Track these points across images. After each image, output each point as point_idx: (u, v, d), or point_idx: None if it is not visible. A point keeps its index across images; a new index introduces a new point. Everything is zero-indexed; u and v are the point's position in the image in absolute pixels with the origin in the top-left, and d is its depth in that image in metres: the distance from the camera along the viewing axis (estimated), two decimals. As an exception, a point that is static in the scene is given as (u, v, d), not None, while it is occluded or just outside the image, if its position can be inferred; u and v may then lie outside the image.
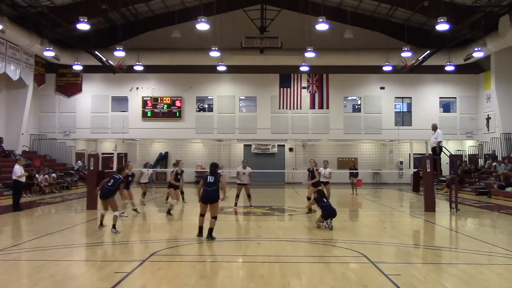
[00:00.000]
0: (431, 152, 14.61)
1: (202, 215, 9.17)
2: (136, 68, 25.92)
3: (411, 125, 28.35)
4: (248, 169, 14.47)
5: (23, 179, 14.58)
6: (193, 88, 28.76)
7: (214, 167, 9.29)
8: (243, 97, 29.62)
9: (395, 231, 10.93)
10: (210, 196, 8.99)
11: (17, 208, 13.85)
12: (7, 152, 22.82)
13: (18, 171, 13.81)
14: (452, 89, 28.47)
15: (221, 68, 26.12)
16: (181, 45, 26.31)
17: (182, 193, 15.91)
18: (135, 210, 13.05)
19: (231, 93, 29.04)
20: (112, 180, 10.19)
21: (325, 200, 10.73)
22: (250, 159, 28.06)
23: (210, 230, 8.98)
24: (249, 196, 14.37)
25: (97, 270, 6.86)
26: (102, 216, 10.38)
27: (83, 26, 19.41)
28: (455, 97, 28.62)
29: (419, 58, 24.52)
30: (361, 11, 25.90)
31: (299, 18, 25.33)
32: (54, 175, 21.42)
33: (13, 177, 13.91)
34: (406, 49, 23.35)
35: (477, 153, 26.72)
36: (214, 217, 9.06)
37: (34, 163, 22.63)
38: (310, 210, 12.87)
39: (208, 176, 9.10)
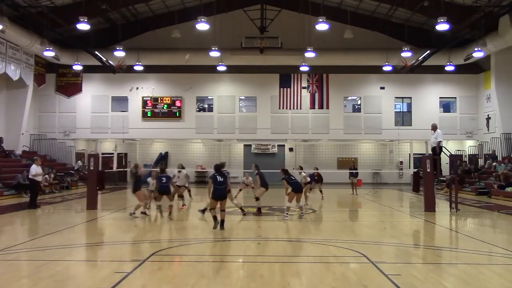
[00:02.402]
0: (431, 152, 14.60)
1: (213, 208, 10.28)
2: (136, 68, 25.93)
3: (411, 125, 28.35)
4: (183, 171, 15.02)
5: (40, 178, 15.43)
6: (193, 88, 28.75)
7: (221, 167, 10.55)
8: (243, 97, 29.61)
9: (395, 231, 10.92)
10: (222, 193, 10.14)
11: (34, 206, 14.41)
12: (7, 152, 22.82)
13: (34, 170, 14.47)
14: (452, 89, 28.46)
15: (221, 68, 26.11)
16: (181, 45, 26.29)
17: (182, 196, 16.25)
18: (144, 213, 12.82)
19: (231, 93, 29.04)
20: (164, 178, 12.21)
21: (293, 178, 12.20)
22: (250, 159, 28.12)
23: (222, 222, 10.14)
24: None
25: (97, 270, 6.86)
26: (160, 206, 12.20)
27: (83, 26, 19.42)
28: (455, 97, 28.62)
29: (419, 58, 24.51)
30: (361, 11, 25.90)
31: (299, 18, 25.34)
32: (52, 174, 21.37)
33: (29, 176, 14.75)
34: (406, 49, 23.33)
35: (477, 153, 26.72)
36: (223, 210, 10.26)
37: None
38: (259, 211, 12.83)
39: (218, 176, 10.17)
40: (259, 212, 12.93)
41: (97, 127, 28.21)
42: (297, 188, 12.04)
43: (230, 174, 14.12)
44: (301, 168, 16.79)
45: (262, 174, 13.29)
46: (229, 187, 10.77)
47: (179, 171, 15.22)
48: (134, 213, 12.24)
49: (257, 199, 13.04)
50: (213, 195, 10.12)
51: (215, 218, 10.22)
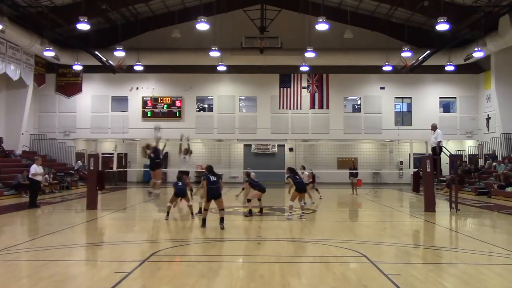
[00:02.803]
0: (431, 152, 14.60)
1: (206, 209, 10.59)
2: (136, 68, 25.94)
3: (411, 125, 28.36)
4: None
5: (40, 178, 15.38)
6: (193, 88, 28.76)
7: (213, 168, 10.68)
8: (243, 97, 29.62)
9: (395, 231, 10.92)
10: (216, 192, 10.33)
11: (34, 205, 14.44)
12: (7, 152, 22.82)
13: (33, 169, 14.57)
14: (452, 89, 28.47)
15: (221, 68, 26.12)
16: (181, 45, 26.32)
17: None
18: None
19: (231, 93, 29.04)
20: (180, 183, 12.26)
21: (298, 177, 12.29)
22: (250, 159, 28.17)
23: (222, 219, 10.32)
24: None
25: (97, 270, 6.86)
26: (169, 207, 12.12)
27: (83, 26, 19.45)
28: (455, 97, 28.63)
29: (419, 58, 24.52)
30: (361, 11, 25.90)
31: (299, 18, 25.37)
32: (51, 174, 21.37)
33: (29, 176, 14.91)
34: (406, 49, 23.35)
35: (477, 153, 26.72)
36: (222, 209, 10.41)
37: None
38: (250, 212, 12.70)
39: (211, 177, 10.36)
40: (260, 212, 12.93)
41: (97, 127, 28.21)
42: (300, 188, 12.02)
43: (223, 176, 14.45)
44: (303, 168, 16.93)
45: (252, 182, 13.17)
46: (222, 187, 10.83)
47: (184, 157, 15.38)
48: (151, 192, 12.79)
49: (248, 201, 12.99)
50: (207, 195, 10.35)
51: (204, 220, 10.49)
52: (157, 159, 13.18)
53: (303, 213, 12.37)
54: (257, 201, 12.94)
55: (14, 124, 24.48)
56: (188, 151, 15.60)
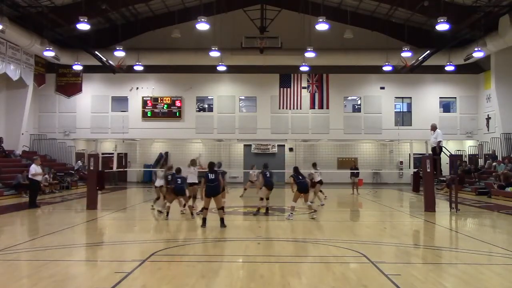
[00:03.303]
0: (431, 152, 14.60)
1: (206, 208, 10.51)
2: (136, 68, 25.93)
3: (411, 125, 28.35)
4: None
5: (39, 178, 15.39)
6: (193, 88, 28.75)
7: (213, 165, 10.75)
8: (243, 97, 29.61)
9: (395, 231, 10.93)
10: (214, 190, 10.29)
11: (33, 205, 14.44)
12: (7, 152, 22.82)
13: (33, 169, 14.58)
14: (452, 89, 28.46)
15: (221, 68, 26.11)
16: (181, 45, 26.31)
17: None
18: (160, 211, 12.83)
19: (231, 93, 29.04)
20: (180, 179, 11.95)
21: (301, 177, 12.04)
22: (250, 159, 28.15)
23: (222, 220, 10.43)
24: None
25: (97, 270, 6.86)
26: (168, 208, 12.00)
27: (83, 26, 19.44)
28: (455, 97, 28.63)
29: (419, 58, 24.51)
30: (361, 11, 25.89)
31: (299, 18, 25.36)
32: (51, 174, 21.37)
33: (28, 176, 14.90)
34: (406, 49, 23.34)
35: (477, 153, 26.72)
36: (221, 208, 10.51)
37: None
38: (258, 211, 12.73)
39: (209, 174, 10.41)
40: (258, 211, 12.87)
41: (97, 127, 28.21)
42: (302, 188, 11.87)
43: (227, 174, 14.24)
44: (314, 167, 16.04)
45: (265, 174, 13.03)
46: (222, 184, 10.76)
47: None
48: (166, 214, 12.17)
49: (261, 199, 12.96)
50: (205, 193, 10.44)
51: (204, 219, 10.48)
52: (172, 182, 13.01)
53: (312, 212, 12.32)
54: (265, 200, 12.88)
55: (14, 124, 24.48)
56: (196, 164, 14.83)
